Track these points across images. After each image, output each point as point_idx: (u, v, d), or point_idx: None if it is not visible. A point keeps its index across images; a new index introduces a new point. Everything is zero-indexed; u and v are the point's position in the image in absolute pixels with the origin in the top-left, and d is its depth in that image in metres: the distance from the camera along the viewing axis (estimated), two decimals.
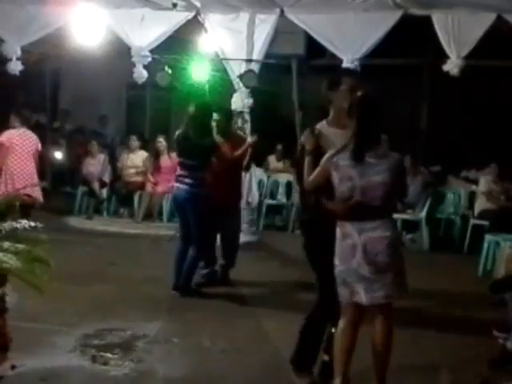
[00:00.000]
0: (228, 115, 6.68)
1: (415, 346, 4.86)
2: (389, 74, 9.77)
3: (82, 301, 5.54)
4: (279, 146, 11.17)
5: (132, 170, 10.48)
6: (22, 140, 7.31)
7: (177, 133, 6.15)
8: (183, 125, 6.09)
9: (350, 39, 8.24)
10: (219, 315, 5.52)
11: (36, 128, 7.88)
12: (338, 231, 3.65)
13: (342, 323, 3.73)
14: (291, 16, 8.49)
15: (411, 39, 9.17)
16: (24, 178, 7.15)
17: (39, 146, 7.56)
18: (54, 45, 9.37)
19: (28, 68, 9.39)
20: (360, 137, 3.61)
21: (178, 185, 5.98)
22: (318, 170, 3.71)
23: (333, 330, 3.82)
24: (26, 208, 5.87)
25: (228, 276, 6.49)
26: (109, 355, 4.40)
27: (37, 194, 7.34)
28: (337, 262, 3.67)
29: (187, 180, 5.84)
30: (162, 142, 10.15)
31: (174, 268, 5.99)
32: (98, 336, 4.76)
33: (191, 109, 5.96)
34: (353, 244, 3.60)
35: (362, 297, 3.62)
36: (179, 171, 6.06)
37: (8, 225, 3.73)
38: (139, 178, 10.35)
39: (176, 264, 5.99)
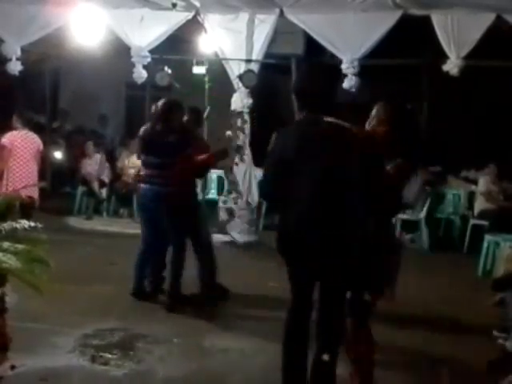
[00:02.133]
0: (197, 117, 6.16)
1: (414, 345, 4.87)
2: (388, 74, 9.75)
3: (82, 301, 5.54)
4: None
5: (133, 171, 10.45)
6: (24, 142, 7.28)
7: (142, 129, 5.80)
8: (150, 121, 5.84)
9: (350, 39, 8.24)
10: (219, 315, 5.54)
11: (35, 128, 7.83)
12: None
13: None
14: (291, 16, 8.49)
15: (410, 39, 9.16)
16: (26, 180, 7.13)
17: (41, 147, 7.54)
18: (54, 45, 9.35)
19: (28, 68, 9.39)
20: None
21: (145, 186, 5.64)
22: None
23: (324, 357, 3.46)
24: (26, 209, 5.87)
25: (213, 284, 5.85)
26: (109, 355, 4.41)
27: (36, 194, 7.33)
28: None
29: (157, 180, 5.51)
30: None
31: (135, 271, 5.76)
32: (98, 336, 4.76)
33: (159, 105, 5.66)
34: None
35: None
36: (145, 171, 5.70)
37: (8, 225, 3.72)
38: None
39: (137, 268, 5.77)
